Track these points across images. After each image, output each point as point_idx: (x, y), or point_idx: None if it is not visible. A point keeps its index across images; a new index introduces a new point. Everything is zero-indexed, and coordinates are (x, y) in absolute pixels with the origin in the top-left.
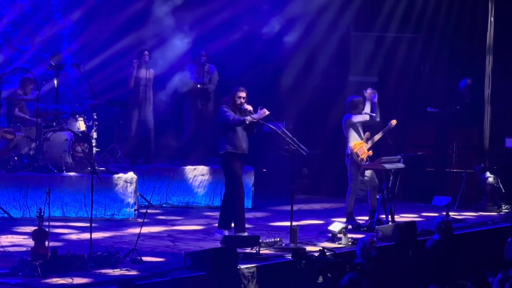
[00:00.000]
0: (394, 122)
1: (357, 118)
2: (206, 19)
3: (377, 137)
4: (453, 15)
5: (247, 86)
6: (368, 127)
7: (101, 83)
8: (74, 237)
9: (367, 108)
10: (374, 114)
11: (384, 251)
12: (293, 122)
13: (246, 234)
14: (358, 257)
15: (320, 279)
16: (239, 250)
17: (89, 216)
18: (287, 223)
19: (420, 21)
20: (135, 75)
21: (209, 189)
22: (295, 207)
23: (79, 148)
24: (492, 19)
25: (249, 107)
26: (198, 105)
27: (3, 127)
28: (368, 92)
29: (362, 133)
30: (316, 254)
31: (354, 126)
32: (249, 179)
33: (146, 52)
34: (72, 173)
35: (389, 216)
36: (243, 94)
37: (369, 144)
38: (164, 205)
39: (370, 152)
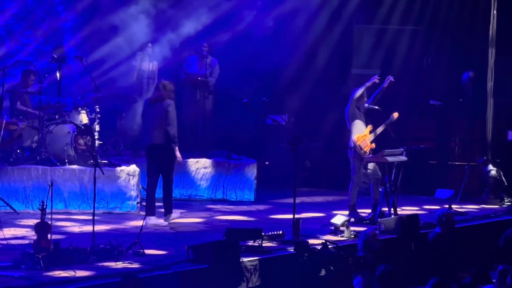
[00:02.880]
0: (396, 115)
1: (357, 94)
2: (207, 11)
3: (379, 129)
4: (455, 8)
5: (249, 79)
6: (370, 120)
7: (103, 76)
8: (76, 230)
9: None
10: (377, 107)
11: (386, 244)
12: (295, 115)
13: (152, 218)
14: (360, 250)
15: (323, 272)
16: (241, 243)
17: (92, 209)
18: (290, 216)
19: (422, 13)
20: (138, 68)
21: (211, 182)
22: (298, 200)
23: (81, 141)
24: (495, 11)
25: None
26: (197, 97)
27: (6, 120)
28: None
29: (364, 124)
30: (319, 247)
31: (354, 113)
32: (251, 172)
33: (149, 44)
34: (74, 166)
35: (392, 209)
36: None
37: (372, 136)
38: None
39: (373, 145)
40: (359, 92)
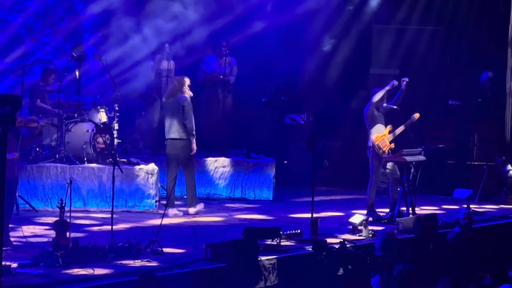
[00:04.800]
0: (417, 115)
1: (377, 97)
2: (226, 11)
3: (398, 130)
4: (474, 8)
5: (268, 79)
6: (390, 120)
7: (122, 75)
8: (95, 228)
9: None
10: (395, 107)
11: (404, 244)
12: (314, 114)
13: (174, 209)
14: (378, 250)
15: (341, 271)
16: (260, 242)
17: (110, 207)
18: (308, 215)
19: (441, 13)
20: (156, 67)
21: (230, 181)
22: (316, 199)
23: (100, 140)
24: None
25: None
26: (219, 96)
27: (26, 118)
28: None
29: (384, 124)
30: (337, 246)
31: (372, 114)
32: (270, 171)
33: (167, 45)
34: (93, 164)
35: (410, 209)
36: None
37: (391, 137)
38: (185, 197)
39: (392, 145)
40: (379, 95)
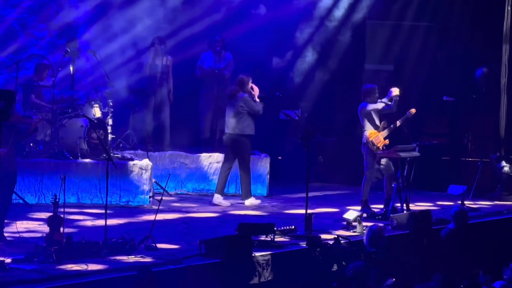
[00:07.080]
0: (413, 111)
1: (371, 106)
2: (220, 5)
3: (393, 126)
4: (469, 4)
5: (263, 74)
6: (386, 116)
7: (117, 70)
8: (89, 223)
9: (385, 99)
10: (391, 104)
11: (398, 240)
12: (309, 110)
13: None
14: (366, 247)
15: (335, 267)
16: (253, 238)
17: (104, 203)
18: (302, 211)
19: (436, 9)
20: (151, 63)
21: None
22: (310, 195)
23: (94, 135)
24: (509, 7)
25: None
26: (214, 91)
27: (21, 114)
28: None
29: (378, 122)
30: (331, 242)
31: (369, 114)
32: (264, 167)
33: (161, 40)
34: (87, 160)
35: (404, 205)
36: None
37: (386, 133)
38: (179, 192)
39: (387, 141)
40: (382, 106)
